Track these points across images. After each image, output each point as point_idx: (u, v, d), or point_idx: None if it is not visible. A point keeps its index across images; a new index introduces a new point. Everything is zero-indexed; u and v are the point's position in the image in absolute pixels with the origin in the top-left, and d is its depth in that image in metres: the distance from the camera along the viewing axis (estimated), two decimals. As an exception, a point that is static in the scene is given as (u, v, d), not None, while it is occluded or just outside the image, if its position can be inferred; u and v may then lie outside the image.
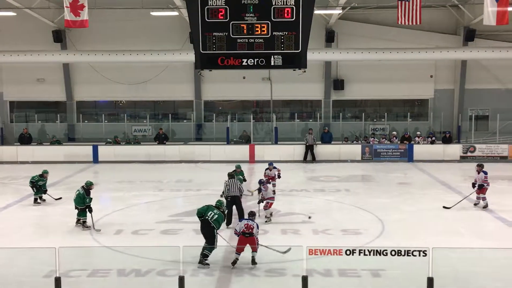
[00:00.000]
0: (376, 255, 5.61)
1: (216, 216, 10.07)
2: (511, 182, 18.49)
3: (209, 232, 10.01)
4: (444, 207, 14.28)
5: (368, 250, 6.54)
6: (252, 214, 10.32)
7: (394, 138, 24.60)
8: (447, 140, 24.42)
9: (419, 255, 6.14)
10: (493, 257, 9.79)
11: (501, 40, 25.14)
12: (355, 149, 24.11)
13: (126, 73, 26.43)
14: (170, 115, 27.17)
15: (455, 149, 23.91)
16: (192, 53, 11.11)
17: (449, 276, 8.60)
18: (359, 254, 5.73)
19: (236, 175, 14.51)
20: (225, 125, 25.48)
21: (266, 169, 16.31)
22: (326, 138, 24.90)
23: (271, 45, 10.84)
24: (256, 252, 9.69)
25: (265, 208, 13.14)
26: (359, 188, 18.11)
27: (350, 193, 16.91)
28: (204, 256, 9.72)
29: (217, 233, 10.03)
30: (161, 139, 24.94)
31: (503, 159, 23.42)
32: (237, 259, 9.61)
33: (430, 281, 5.57)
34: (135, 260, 9.75)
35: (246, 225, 9.76)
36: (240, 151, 23.96)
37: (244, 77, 26.03)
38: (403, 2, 18.73)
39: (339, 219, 13.35)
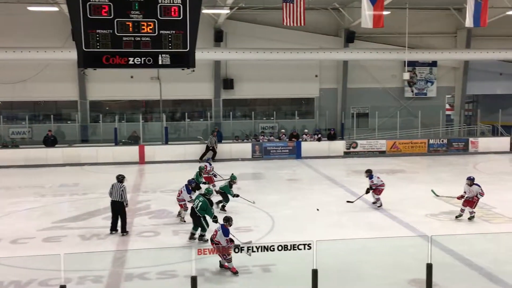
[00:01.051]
0: (264, 251, 5.70)
1: (200, 203, 10.81)
2: (390, 176, 19.80)
3: (196, 219, 10.90)
4: (347, 201, 14.84)
5: (256, 246, 6.65)
6: (226, 220, 9.43)
7: (283, 136, 25.32)
8: (332, 137, 25.61)
9: (304, 248, 6.35)
10: (374, 246, 10.41)
11: (378, 42, 26.84)
12: (246, 148, 24.49)
13: (1, 71, 24.59)
14: (52, 116, 25.71)
15: (339, 145, 25.15)
16: (75, 51, 10.56)
17: (333, 267, 9.01)
18: (247, 251, 5.79)
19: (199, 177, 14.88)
20: (113, 125, 24.64)
21: (209, 166, 16.40)
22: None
23: (158, 44, 10.61)
24: (224, 260, 9.01)
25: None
26: (250, 185, 18.39)
27: (242, 191, 17.07)
28: (201, 236, 10.90)
29: (204, 220, 10.84)
30: (50, 141, 23.52)
31: (381, 153, 25.05)
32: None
33: (315, 272, 5.78)
34: (14, 271, 9.10)
35: (214, 231, 9.48)
36: (129, 152, 23.33)
37: (132, 77, 25.34)
38: (288, 3, 19.31)
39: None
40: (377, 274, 9.21)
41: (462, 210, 13.08)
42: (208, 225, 11.06)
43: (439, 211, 13.91)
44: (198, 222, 10.96)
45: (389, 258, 9.83)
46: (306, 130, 25.88)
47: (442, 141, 25.82)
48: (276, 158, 24.28)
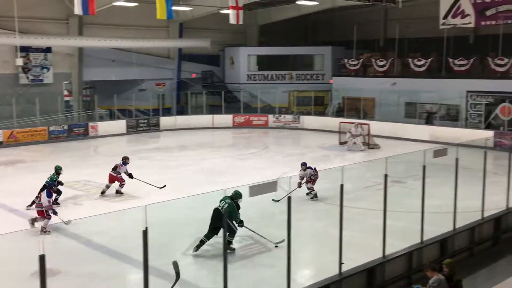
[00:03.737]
0: None
1: (226, 205, 9.70)
2: (9, 167, 18.78)
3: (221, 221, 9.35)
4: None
5: None
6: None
7: None
8: None
9: None
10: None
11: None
12: None
13: None
14: None
15: None
16: None
17: None
18: None
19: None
20: None
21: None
22: None
23: None
24: None
25: None
26: None
27: None
28: (229, 242, 9.56)
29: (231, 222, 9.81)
30: None
31: (-1, 144, 23.44)
32: None
33: None
34: None
35: None
36: None
37: None
38: None
39: None
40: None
41: (310, 189, 13.90)
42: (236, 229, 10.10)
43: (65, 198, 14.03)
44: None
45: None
46: None
47: (63, 127, 25.81)
48: None
